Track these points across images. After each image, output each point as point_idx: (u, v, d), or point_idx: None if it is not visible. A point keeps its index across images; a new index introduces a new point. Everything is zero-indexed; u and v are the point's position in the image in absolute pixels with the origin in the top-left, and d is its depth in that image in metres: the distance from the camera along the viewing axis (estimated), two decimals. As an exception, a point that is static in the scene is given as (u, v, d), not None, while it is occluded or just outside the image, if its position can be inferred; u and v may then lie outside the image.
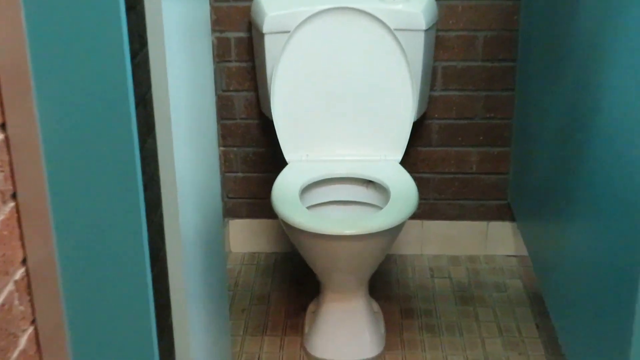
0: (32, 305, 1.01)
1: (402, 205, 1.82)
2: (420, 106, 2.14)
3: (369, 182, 2.01)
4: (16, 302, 0.98)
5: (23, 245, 0.99)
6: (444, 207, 2.37)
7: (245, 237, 2.43)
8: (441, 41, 2.21)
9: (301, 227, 1.74)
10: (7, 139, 0.96)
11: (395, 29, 1.99)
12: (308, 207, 1.95)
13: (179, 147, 1.26)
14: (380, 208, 1.93)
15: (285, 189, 1.90)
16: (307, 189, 1.98)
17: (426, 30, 2.06)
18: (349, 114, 2.05)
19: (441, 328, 2.08)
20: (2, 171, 0.95)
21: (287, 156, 2.06)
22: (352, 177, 2.02)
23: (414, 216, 2.31)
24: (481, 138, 2.29)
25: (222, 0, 2.21)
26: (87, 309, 1.06)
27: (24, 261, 1.00)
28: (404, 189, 1.91)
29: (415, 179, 2.12)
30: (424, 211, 2.38)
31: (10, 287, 0.96)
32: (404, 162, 2.19)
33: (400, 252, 2.41)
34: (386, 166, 2.03)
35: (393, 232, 1.80)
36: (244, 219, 2.41)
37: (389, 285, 2.26)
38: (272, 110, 2.03)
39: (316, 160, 2.05)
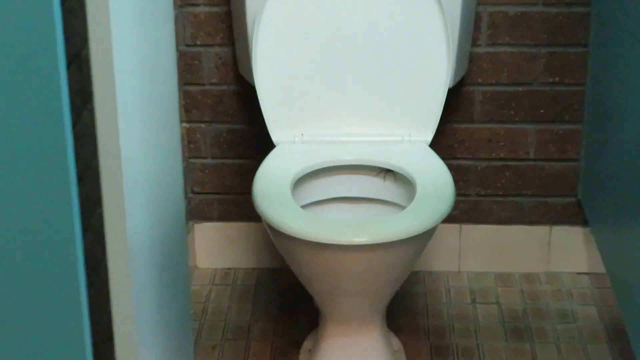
0: None
1: (433, 204, 1.83)
2: (458, 67, 2.15)
3: (386, 172, 2.01)
4: None
5: None
6: (490, 207, 2.38)
7: (216, 247, 2.43)
8: (487, -23, 2.22)
9: (294, 234, 1.74)
10: None
11: (424, -39, 2.00)
12: (303, 207, 1.95)
13: (126, 123, 1.26)
14: (403, 207, 1.93)
15: (272, 182, 1.91)
16: (302, 181, 1.98)
17: (467, -37, 2.06)
18: (360, 78, 2.06)
19: (486, 372, 2.10)
20: None
21: (275, 136, 2.06)
22: (363, 164, 2.02)
23: (449, 219, 2.30)
24: (542, 111, 2.29)
25: None
26: (2, 345, 1.06)
27: None
28: (434, 181, 1.91)
29: (450, 167, 2.12)
30: (462, 212, 2.38)
31: None
32: (436, 144, 2.19)
33: (430, 268, 2.42)
34: (411, 150, 2.03)
35: (420, 241, 1.80)
36: (215, 223, 2.41)
37: (414, 314, 2.27)
38: (255, 73, 2.03)
39: (315, 142, 2.06)
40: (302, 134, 2.06)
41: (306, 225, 1.75)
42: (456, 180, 2.17)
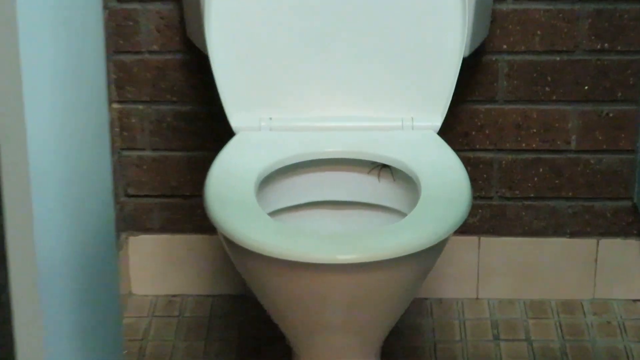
0: None
1: (442, 210, 1.83)
2: (477, 30, 2.15)
3: (382, 168, 2.01)
4: None
5: None
6: (518, 213, 2.38)
7: (158, 267, 2.43)
8: None
9: (260, 250, 1.74)
10: None
11: None
12: (272, 214, 1.95)
13: (33, 103, 1.25)
14: (403, 214, 1.93)
15: (232, 181, 1.90)
16: (270, 180, 1.98)
17: None
18: (347, 43, 2.05)
19: None
20: None
21: (235, 120, 2.06)
22: (352, 158, 2.02)
23: (465, 229, 2.31)
24: (586, 87, 2.29)
25: None
26: None
27: None
28: (445, 179, 1.91)
29: (466, 161, 2.11)
30: (482, 220, 2.38)
31: None
32: (447, 131, 2.19)
33: (440, 294, 2.42)
34: (414, 138, 2.03)
35: (426, 259, 1.80)
36: (156, 235, 2.41)
37: (418, 355, 2.26)
38: (208, 38, 2.02)
39: (287, 128, 2.05)
40: (271, 118, 2.05)
41: (276, 238, 1.75)
42: (474, 179, 2.16)
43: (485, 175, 2.34)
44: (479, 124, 2.32)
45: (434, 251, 1.79)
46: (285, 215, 2.01)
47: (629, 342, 2.29)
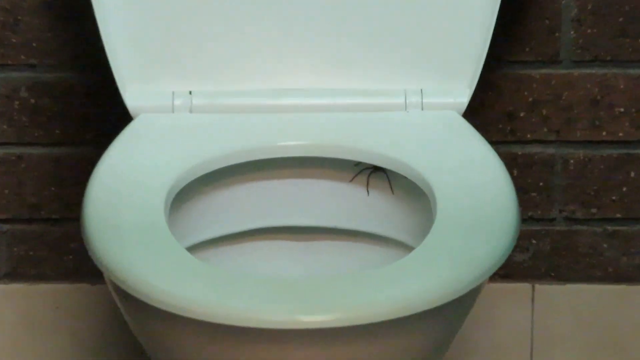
0: None
1: (470, 240, 1.84)
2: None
3: (372, 173, 2.03)
4: None
5: None
6: (596, 244, 2.40)
7: (9, 337, 2.45)
8: None
9: (175, 309, 1.74)
10: None
11: None
12: (193, 248, 1.97)
13: None
14: (408, 248, 1.95)
15: (127, 195, 1.91)
16: (191, 194, 1.99)
17: None
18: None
19: None
20: None
21: (131, 96, 2.08)
22: (325, 157, 2.04)
23: (510, 272, 2.33)
24: None
25: None
26: None
27: None
28: (474, 190, 1.93)
29: (510, 159, 2.13)
30: (538, 257, 2.41)
31: None
32: (479, 112, 2.22)
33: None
34: (425, 124, 2.06)
35: (446, 320, 1.82)
36: (5, 285, 2.43)
37: None
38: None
39: (218, 109, 2.08)
40: (191, 92, 2.08)
41: (202, 289, 1.76)
42: (523, 189, 2.18)
43: (541, 184, 2.36)
44: (530, 99, 2.34)
45: (460, 307, 1.81)
46: (215, 250, 2.03)
47: None
